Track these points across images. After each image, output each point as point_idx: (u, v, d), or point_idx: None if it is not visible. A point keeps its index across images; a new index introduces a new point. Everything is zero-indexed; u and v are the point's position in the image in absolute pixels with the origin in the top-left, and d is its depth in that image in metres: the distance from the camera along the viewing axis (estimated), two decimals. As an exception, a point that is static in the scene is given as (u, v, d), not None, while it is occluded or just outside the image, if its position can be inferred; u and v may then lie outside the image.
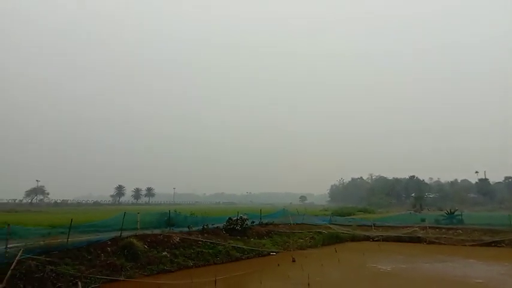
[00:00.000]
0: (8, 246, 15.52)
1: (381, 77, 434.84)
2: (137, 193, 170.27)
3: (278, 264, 22.16)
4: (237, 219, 28.65)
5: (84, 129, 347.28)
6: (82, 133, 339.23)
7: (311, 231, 33.49)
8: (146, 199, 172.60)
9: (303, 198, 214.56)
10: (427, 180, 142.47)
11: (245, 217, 29.51)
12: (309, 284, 16.12)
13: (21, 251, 14.95)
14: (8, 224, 16.67)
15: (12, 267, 14.16)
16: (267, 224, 32.91)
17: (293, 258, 23.51)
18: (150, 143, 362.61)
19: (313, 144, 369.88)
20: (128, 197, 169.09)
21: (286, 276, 18.76)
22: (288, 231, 32.20)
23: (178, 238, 23.11)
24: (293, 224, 35.08)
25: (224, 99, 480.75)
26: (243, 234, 27.89)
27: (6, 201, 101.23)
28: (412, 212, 58.34)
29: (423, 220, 37.26)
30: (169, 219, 26.61)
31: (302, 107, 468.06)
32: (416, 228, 34.34)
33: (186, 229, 25.53)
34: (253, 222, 30.66)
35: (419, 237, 32.71)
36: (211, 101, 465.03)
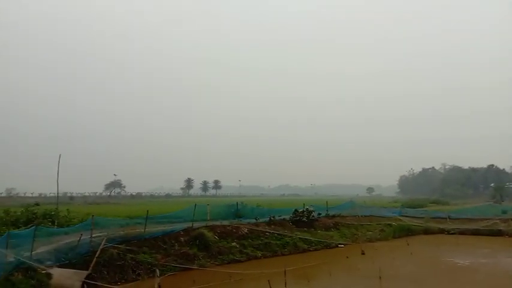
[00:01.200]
0: (93, 235, 16.86)
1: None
2: (205, 185, 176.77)
3: (347, 257, 21.84)
4: (303, 211, 28.63)
5: (156, 129, 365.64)
6: (154, 132, 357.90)
7: (380, 224, 32.52)
8: (213, 191, 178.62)
9: (370, 189, 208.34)
10: (507, 170, 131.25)
11: (311, 209, 29.40)
12: (380, 277, 15.69)
13: (104, 240, 16.18)
14: (92, 215, 18.14)
15: (96, 255, 15.37)
16: (333, 215, 32.45)
17: (362, 250, 23.01)
18: (217, 139, 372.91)
19: (379, 133, 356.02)
20: (196, 189, 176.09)
21: (356, 268, 18.43)
22: (355, 223, 31.53)
23: (246, 229, 23.64)
24: (361, 216, 34.25)
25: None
26: (310, 225, 27.79)
27: (88, 194, 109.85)
28: (491, 203, 54.25)
29: (504, 212, 34.57)
30: (237, 210, 27.29)
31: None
32: (497, 221, 31.87)
33: (253, 220, 25.96)
34: (319, 214, 30.41)
35: (500, 230, 30.38)
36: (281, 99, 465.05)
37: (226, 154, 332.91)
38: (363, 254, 22.52)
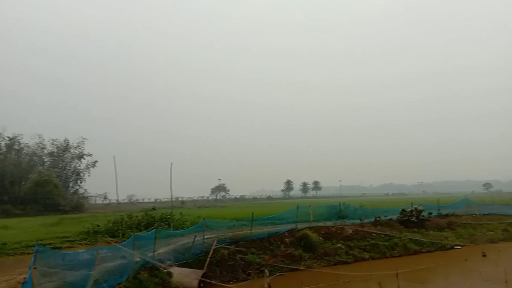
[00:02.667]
0: (205, 237, 17.99)
1: None
2: (305, 187, 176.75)
3: (466, 259, 20.05)
4: (412, 211, 27.02)
5: (255, 133, 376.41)
6: (254, 137, 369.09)
7: (503, 223, 29.29)
8: (313, 192, 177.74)
9: (487, 185, 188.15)
10: None
11: (420, 208, 27.61)
12: (506, 282, 14.10)
13: (215, 241, 17.16)
14: (204, 218, 19.35)
15: (209, 255, 16.35)
16: (446, 215, 30.11)
17: (483, 252, 20.95)
18: (316, 140, 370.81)
19: (497, 122, 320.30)
20: (296, 191, 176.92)
21: (477, 272, 16.83)
22: (473, 222, 28.83)
23: (351, 230, 23.12)
24: (479, 214, 31.18)
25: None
26: (420, 226, 26.14)
27: (196, 198, 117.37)
28: None
29: None
30: (339, 211, 26.83)
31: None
32: None
33: (357, 221, 25.30)
34: (430, 213, 28.41)
35: None
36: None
37: (325, 155, 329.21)
38: (484, 256, 20.51)
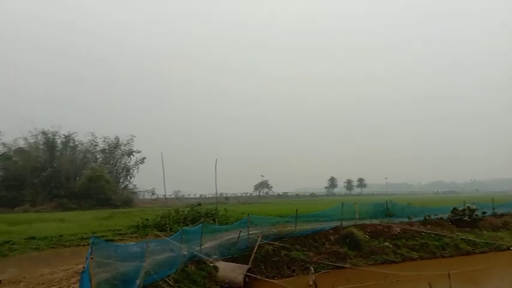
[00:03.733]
0: (249, 233, 18.15)
1: None
2: (349, 184, 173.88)
3: (523, 261, 18.92)
4: (464, 210, 25.81)
5: (297, 131, 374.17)
6: (296, 134, 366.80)
7: None
8: (358, 190, 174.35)
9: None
10: None
11: (473, 207, 26.31)
12: None
13: (260, 237, 17.27)
14: (248, 214, 19.54)
15: (254, 250, 16.49)
16: (501, 214, 28.53)
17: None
18: (360, 136, 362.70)
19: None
20: (340, 188, 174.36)
21: (536, 275, 15.83)
22: (533, 222, 27.09)
23: (398, 229, 22.47)
24: (540, 214, 29.28)
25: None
26: (473, 225, 24.92)
27: (239, 194, 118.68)
28: None
29: None
30: (386, 209, 26.14)
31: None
32: None
33: (405, 219, 24.54)
34: (484, 212, 27.01)
35: None
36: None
37: (370, 152, 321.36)
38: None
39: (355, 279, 15.30)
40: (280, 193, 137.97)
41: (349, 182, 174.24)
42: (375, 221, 23.43)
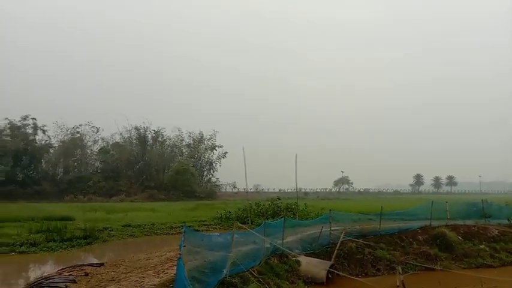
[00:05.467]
0: (331, 229, 17.86)
1: None
2: (437, 182, 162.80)
3: None
4: None
5: (384, 127, 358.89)
6: (380, 130, 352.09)
7: None
8: (447, 188, 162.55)
9: None
10: None
11: None
12: None
13: (342, 234, 16.91)
14: (330, 210, 19.25)
15: (337, 247, 16.18)
16: None
17: None
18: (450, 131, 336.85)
19: None
20: (426, 185, 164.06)
21: None
22: None
23: (496, 231, 20.60)
24: None
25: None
26: None
27: (319, 190, 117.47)
28: None
29: None
30: (482, 209, 24.04)
31: None
32: None
33: (504, 221, 22.40)
34: None
35: None
36: None
37: (461, 148, 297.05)
38: None
39: (447, 283, 14.34)
40: (361, 189, 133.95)
41: (437, 179, 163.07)
42: (469, 222, 21.68)
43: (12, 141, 61.71)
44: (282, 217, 17.40)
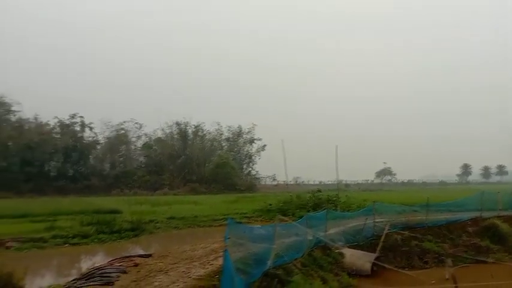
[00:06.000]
0: (375, 220, 17.51)
1: None
2: (486, 171, 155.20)
3: None
4: None
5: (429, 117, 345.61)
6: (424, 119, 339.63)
7: None
8: (497, 178, 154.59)
9: None
10: None
11: None
12: None
13: (387, 226, 16.52)
14: (374, 201, 18.86)
15: (382, 239, 15.84)
16: None
17: None
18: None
19: None
20: (475, 175, 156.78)
21: None
22: None
23: (554, 223, 19.39)
24: None
25: None
26: None
27: (360, 181, 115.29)
28: None
29: None
30: (538, 200, 22.72)
31: None
32: None
33: None
34: None
35: None
36: None
37: None
38: None
39: (500, 276, 13.69)
40: (405, 180, 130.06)
41: (486, 169, 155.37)
42: (524, 213, 20.59)
43: (62, 138, 65.01)
44: (323, 209, 17.25)
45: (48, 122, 66.47)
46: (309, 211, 22.43)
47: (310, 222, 13.81)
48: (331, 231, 15.91)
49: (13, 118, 63.00)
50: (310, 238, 13.63)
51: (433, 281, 12.62)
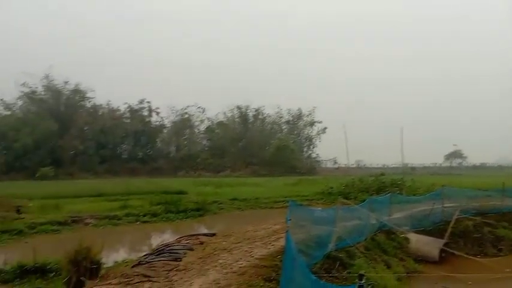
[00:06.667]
0: (444, 205, 16.67)
1: None
2: None
3: None
4: None
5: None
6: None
7: None
8: None
9: None
10: None
11: None
12: None
13: (457, 211, 15.68)
14: (443, 185, 17.95)
15: (451, 225, 15.08)
16: None
17: None
18: None
19: None
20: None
21: None
22: None
23: None
24: None
25: None
26: None
27: (428, 165, 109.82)
28: None
29: None
30: None
31: None
32: None
33: None
34: None
35: None
36: None
37: None
38: None
39: None
40: (477, 164, 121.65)
41: None
42: None
43: (131, 123, 69.02)
44: (387, 193, 16.75)
45: (119, 108, 70.93)
46: (371, 195, 21.91)
47: (373, 206, 13.51)
48: (396, 215, 15.42)
49: (88, 104, 67.94)
50: (374, 222, 13.35)
51: (507, 270, 11.85)
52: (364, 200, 14.45)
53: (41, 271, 10.48)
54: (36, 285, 9.91)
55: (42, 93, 63.44)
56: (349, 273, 8.77)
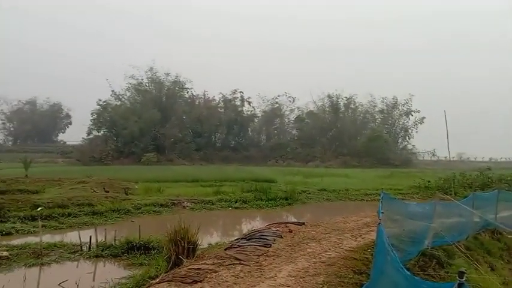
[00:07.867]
0: None
1: None
2: None
3: None
4: None
5: None
6: None
7: None
8: None
9: None
10: None
11: None
12: None
13: None
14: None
15: None
16: None
17: None
18: None
19: None
20: None
21: None
22: None
23: None
24: None
25: None
26: None
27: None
28: None
29: None
30: None
31: None
32: None
33: None
34: None
35: None
36: None
37: None
38: None
39: None
40: None
41: None
42: None
43: (225, 112, 71.99)
44: (493, 189, 15.25)
45: (214, 98, 74.40)
46: (475, 191, 20.14)
47: (477, 202, 12.43)
48: (504, 213, 14.00)
49: (186, 95, 72.30)
50: (477, 220, 12.29)
51: None
52: (465, 196, 13.38)
53: (144, 248, 11.67)
54: (140, 260, 11.01)
55: (147, 84, 68.83)
56: (447, 273, 8.22)
